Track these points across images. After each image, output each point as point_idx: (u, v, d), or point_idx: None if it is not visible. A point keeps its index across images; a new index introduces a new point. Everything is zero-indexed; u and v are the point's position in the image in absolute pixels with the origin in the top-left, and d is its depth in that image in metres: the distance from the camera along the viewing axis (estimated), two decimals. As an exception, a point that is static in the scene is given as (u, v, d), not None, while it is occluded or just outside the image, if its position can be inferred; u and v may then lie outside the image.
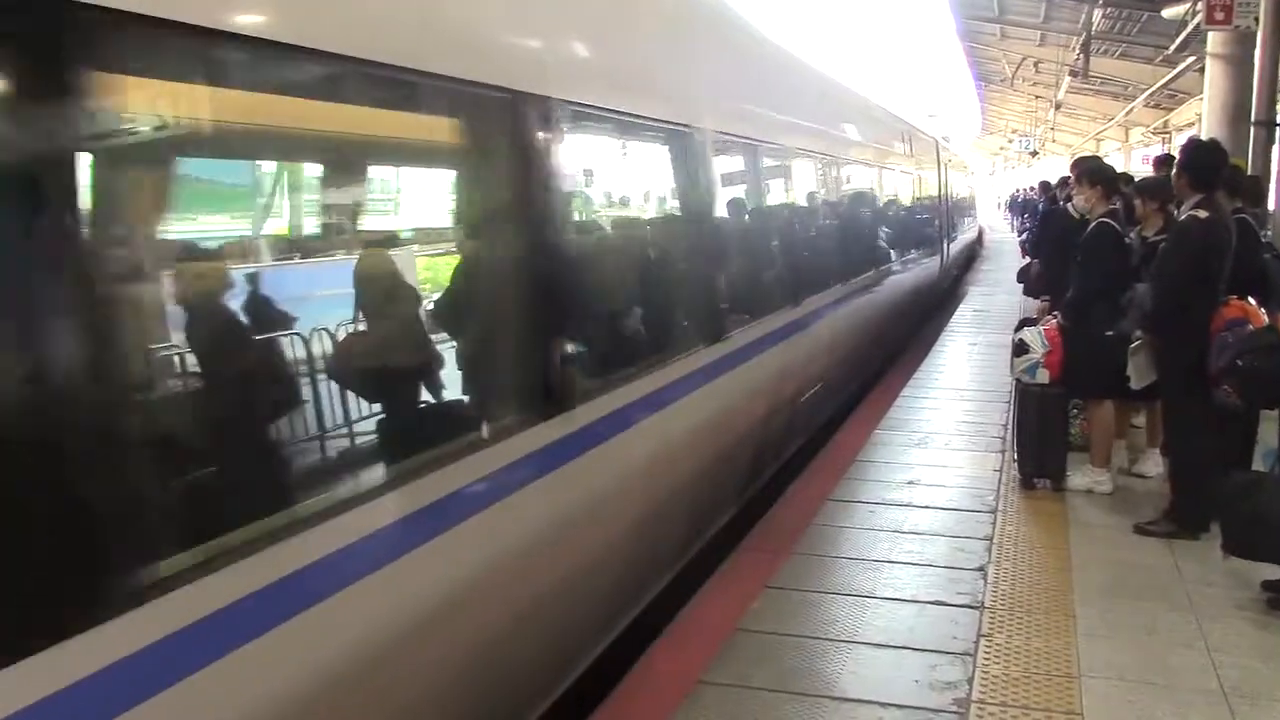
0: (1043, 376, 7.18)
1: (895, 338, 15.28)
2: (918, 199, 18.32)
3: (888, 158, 14.96)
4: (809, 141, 9.92)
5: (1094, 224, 7.20)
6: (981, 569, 5.89)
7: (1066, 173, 11.85)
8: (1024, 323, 8.58)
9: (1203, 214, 6.14)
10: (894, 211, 15.29)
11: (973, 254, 32.52)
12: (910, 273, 15.65)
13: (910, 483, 7.61)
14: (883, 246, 13.47)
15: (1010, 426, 8.60)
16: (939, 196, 21.38)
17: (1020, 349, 7.33)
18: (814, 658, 4.84)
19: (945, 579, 5.76)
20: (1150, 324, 6.40)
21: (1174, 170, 6.61)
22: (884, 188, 14.57)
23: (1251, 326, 6.09)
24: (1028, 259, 14.53)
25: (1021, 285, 13.86)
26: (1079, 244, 7.33)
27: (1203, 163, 6.35)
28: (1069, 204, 9.15)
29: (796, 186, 9.62)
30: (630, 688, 4.69)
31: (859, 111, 13.48)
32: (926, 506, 7.06)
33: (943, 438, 8.99)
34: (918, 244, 17.03)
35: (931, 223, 19.69)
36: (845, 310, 10.42)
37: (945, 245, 21.20)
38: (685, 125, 6.24)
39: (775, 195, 8.97)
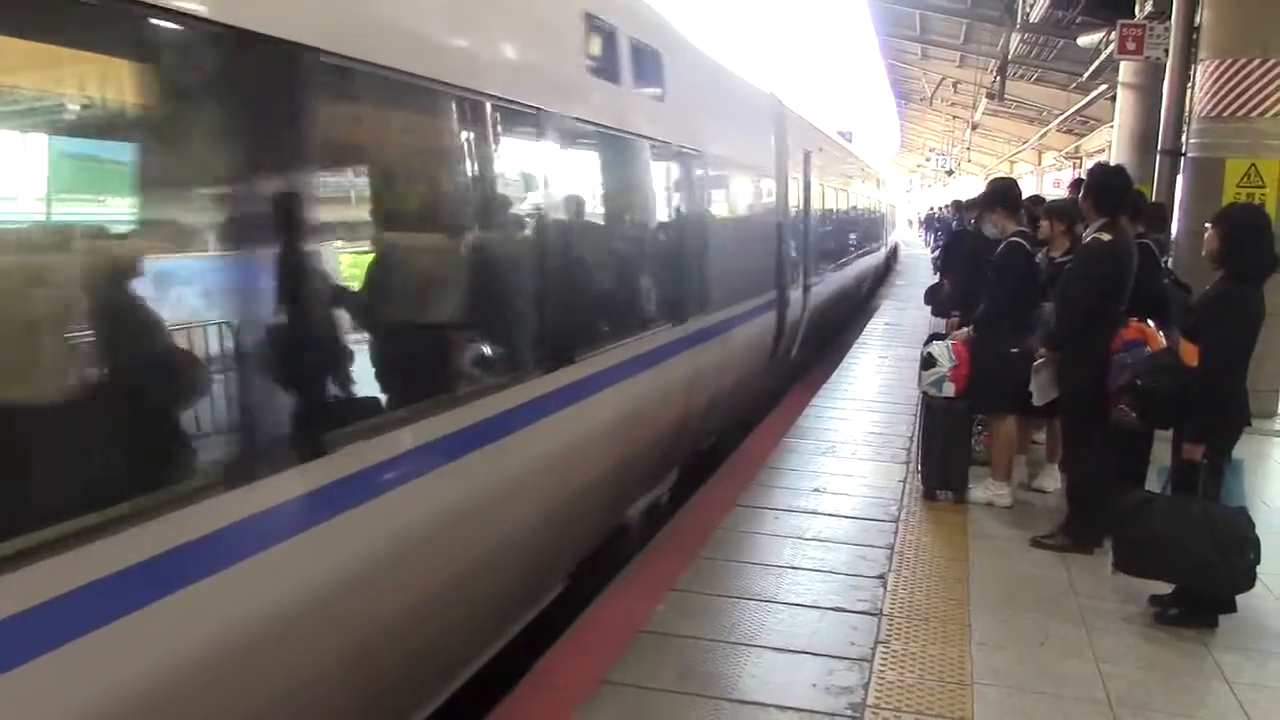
0: (949, 390, 7.31)
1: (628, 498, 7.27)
2: (707, 213, 8.81)
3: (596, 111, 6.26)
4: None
5: (1005, 243, 7.34)
6: (882, 577, 5.99)
7: (971, 195, 12.30)
8: (933, 337, 8.74)
9: (1106, 237, 6.31)
10: (608, 242, 7.07)
11: (886, 270, 31.58)
12: (671, 365, 7.49)
13: (816, 490, 7.71)
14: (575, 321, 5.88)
15: (915, 438, 8.75)
16: (784, 208, 12.02)
17: (928, 362, 7.46)
18: (715, 660, 4.88)
19: (846, 586, 5.84)
20: (1053, 342, 6.56)
21: (1080, 193, 6.78)
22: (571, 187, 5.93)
23: (1148, 348, 6.28)
24: (938, 276, 14.72)
25: (930, 307, 13.68)
26: (989, 262, 7.48)
27: (1108, 187, 6.52)
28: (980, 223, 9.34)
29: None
30: (531, 686, 4.69)
31: None
32: (831, 514, 7.16)
33: (850, 447, 9.12)
34: (707, 301, 8.41)
35: (758, 257, 10.90)
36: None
37: (796, 293, 12.68)
38: None
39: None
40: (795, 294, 12.59)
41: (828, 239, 16.70)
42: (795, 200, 12.91)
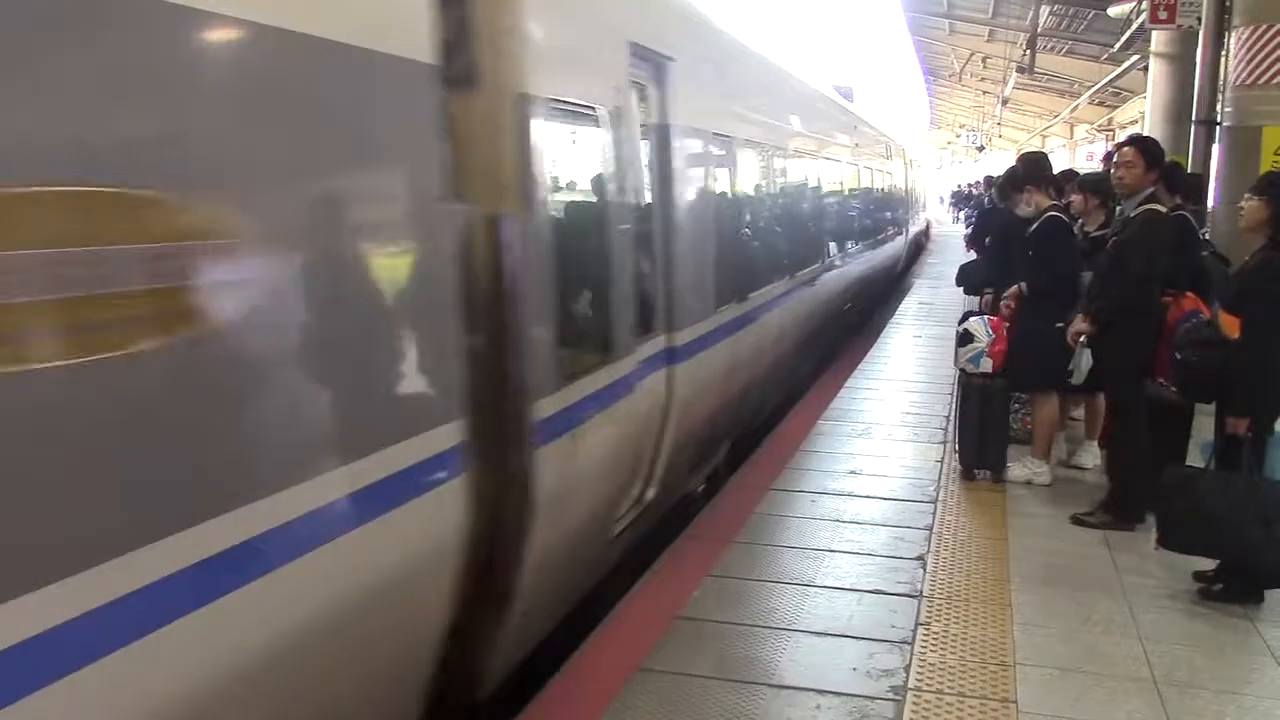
0: (986, 365, 7.23)
1: None
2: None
3: None
4: None
5: (1044, 219, 7.22)
6: (921, 558, 5.94)
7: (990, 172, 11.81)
8: (969, 314, 8.65)
9: (1161, 208, 6.23)
10: None
11: (916, 255, 29.31)
12: None
13: (852, 472, 7.65)
14: None
15: (952, 418, 8.67)
16: (489, 189, 4.21)
17: (965, 339, 7.38)
18: (754, 645, 4.85)
19: (885, 568, 5.80)
20: (1106, 316, 6.36)
21: (1138, 165, 6.47)
22: None
23: (1204, 317, 6.17)
24: (972, 253, 14.56)
25: (962, 287, 13.26)
26: (1026, 238, 7.37)
27: (1156, 153, 6.41)
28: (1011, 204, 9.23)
29: None
30: (571, 674, 4.68)
31: None
32: (868, 496, 7.10)
33: (885, 428, 9.05)
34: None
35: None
36: None
37: (616, 393, 5.42)
38: None
39: None
40: (616, 395, 5.48)
41: (749, 250, 8.86)
42: (606, 178, 5.60)
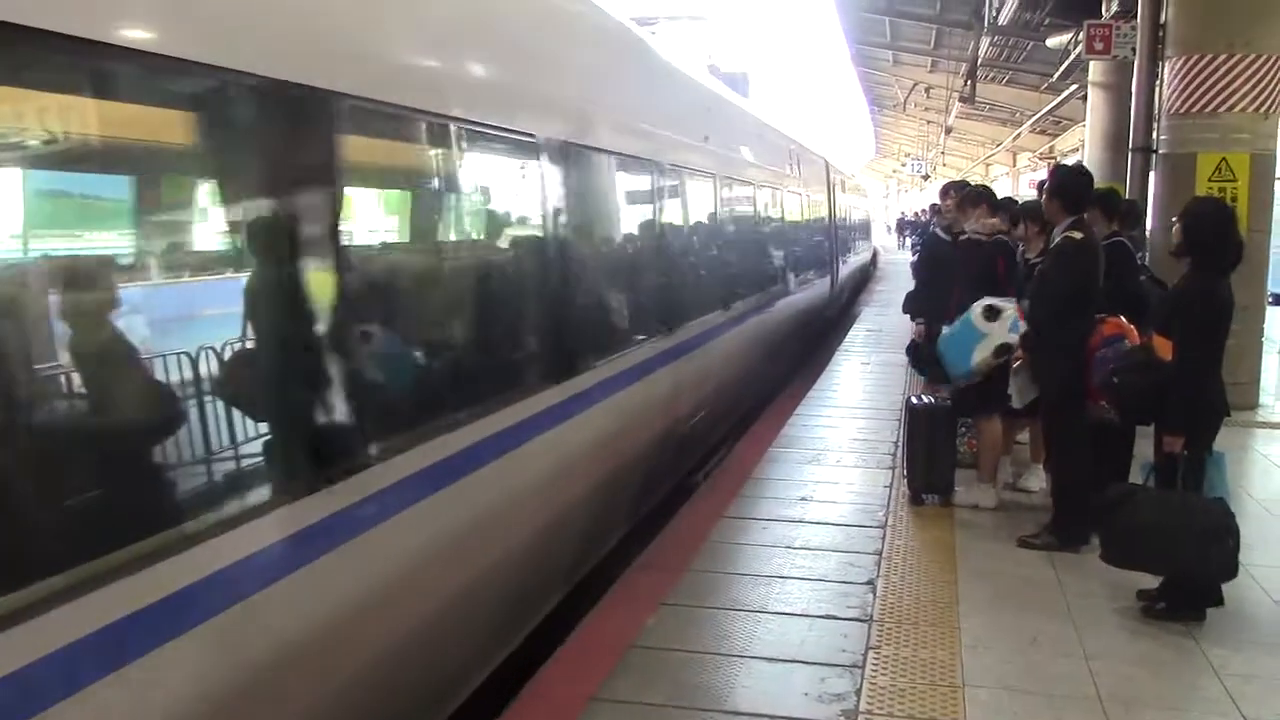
0: (1021, 328, 6.80)
1: None
2: None
3: None
4: None
5: (993, 241, 7.39)
6: (871, 583, 6.00)
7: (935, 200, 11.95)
8: (914, 344, 8.75)
9: (1078, 235, 6.37)
10: None
11: (867, 276, 30.43)
12: None
13: (803, 499, 7.71)
14: None
15: (900, 444, 8.77)
16: None
17: (992, 313, 6.91)
18: (707, 673, 4.88)
19: (836, 593, 5.85)
20: (1029, 342, 6.58)
21: (1045, 195, 6.77)
22: None
23: (1128, 343, 6.31)
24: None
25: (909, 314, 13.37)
26: (975, 256, 7.53)
27: (1074, 186, 6.59)
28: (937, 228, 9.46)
29: None
30: (524, 705, 4.69)
31: None
32: (819, 522, 7.16)
33: (835, 455, 9.13)
34: None
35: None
36: None
37: None
38: None
39: None
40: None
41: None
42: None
